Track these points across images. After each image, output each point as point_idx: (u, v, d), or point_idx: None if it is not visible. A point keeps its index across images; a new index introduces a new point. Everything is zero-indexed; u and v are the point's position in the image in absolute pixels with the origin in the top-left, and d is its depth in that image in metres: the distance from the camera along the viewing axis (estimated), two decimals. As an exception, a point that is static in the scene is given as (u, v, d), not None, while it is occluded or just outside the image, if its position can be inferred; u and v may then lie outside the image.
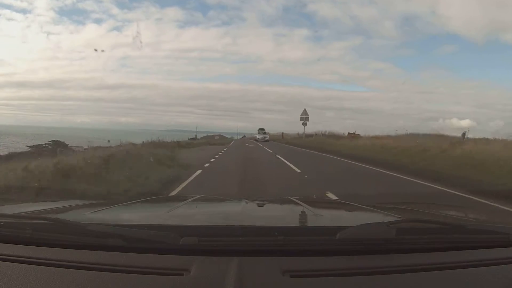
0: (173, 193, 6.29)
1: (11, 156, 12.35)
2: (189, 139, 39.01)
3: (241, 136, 71.43)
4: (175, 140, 27.47)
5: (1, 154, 14.43)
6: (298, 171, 10.28)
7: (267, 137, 43.79)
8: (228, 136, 69.01)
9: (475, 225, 1.30)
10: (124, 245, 0.98)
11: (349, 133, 32.91)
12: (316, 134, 37.60)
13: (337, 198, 5.48)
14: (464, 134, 17.66)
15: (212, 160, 13.59)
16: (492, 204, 5.84)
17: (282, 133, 50.38)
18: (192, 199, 1.96)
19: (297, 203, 1.80)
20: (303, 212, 1.64)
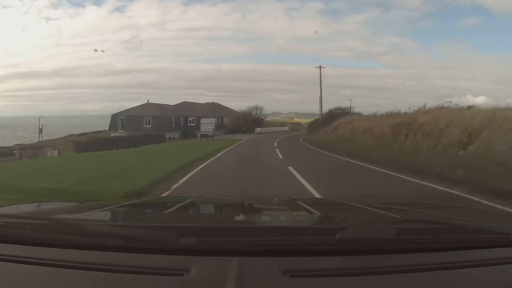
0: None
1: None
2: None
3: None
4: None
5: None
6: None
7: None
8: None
9: (475, 225, 1.30)
10: (124, 245, 0.98)
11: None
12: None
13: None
14: None
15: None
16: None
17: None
18: (192, 199, 1.96)
19: (297, 203, 1.80)
20: (303, 212, 1.64)
